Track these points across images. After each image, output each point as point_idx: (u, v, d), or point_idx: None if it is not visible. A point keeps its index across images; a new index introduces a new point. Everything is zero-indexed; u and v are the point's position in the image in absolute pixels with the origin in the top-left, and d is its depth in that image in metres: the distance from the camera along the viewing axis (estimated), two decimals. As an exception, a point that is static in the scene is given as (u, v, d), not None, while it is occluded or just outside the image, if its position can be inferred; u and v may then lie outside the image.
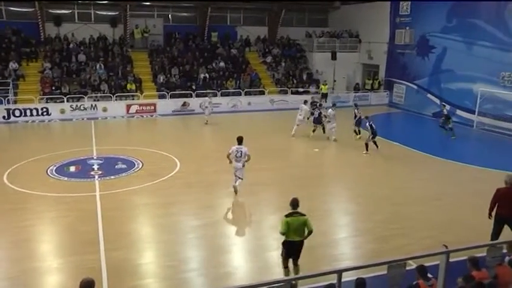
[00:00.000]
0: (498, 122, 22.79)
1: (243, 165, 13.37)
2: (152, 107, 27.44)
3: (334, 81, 32.85)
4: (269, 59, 33.66)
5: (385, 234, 11.14)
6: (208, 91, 28.13)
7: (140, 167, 16.47)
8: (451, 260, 6.01)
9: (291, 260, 8.72)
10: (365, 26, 33.87)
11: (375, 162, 18.01)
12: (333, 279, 5.21)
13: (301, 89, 31.26)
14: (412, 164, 17.76)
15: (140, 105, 27.24)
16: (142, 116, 26.80)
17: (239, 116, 27.50)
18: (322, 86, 31.00)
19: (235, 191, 13.63)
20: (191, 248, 10.58)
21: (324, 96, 30.31)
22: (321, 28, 36.58)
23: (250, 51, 34.33)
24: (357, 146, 19.90)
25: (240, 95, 29.50)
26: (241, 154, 13.19)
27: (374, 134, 18.64)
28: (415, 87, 29.38)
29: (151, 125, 25.66)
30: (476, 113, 23.44)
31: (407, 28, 29.64)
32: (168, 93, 28.09)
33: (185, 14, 34.46)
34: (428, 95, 27.79)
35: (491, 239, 9.54)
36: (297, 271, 8.58)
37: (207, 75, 30.25)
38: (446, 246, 6.44)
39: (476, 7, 24.36)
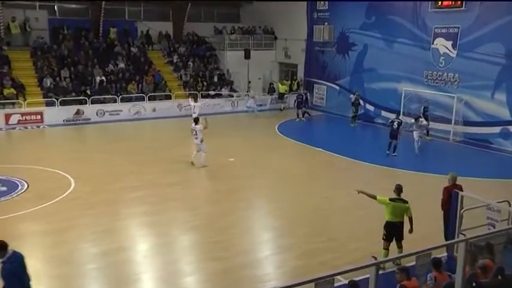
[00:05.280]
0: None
1: (201, 141, 17.89)
2: (38, 117, 26.23)
3: (249, 82, 33.35)
4: (175, 58, 33.53)
5: (310, 248, 11.47)
6: (106, 96, 27.46)
7: (25, 188, 15.64)
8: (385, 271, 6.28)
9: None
10: (281, 21, 34.77)
11: (298, 171, 18.51)
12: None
13: (212, 92, 31.36)
14: (336, 171, 18.47)
15: (23, 114, 25.91)
16: (26, 128, 25.52)
17: (143, 124, 27.10)
18: (280, 86, 32.14)
19: (192, 163, 18.20)
20: (92, 280, 10.23)
21: (281, 97, 31.78)
22: (233, 24, 37.00)
23: (153, 49, 33.96)
24: (280, 153, 20.36)
25: (144, 100, 29.03)
26: (195, 132, 17.96)
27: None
28: (336, 87, 30.59)
29: (38, 137, 24.46)
30: (401, 113, 24.77)
31: (325, 24, 30.77)
32: (57, 99, 26.93)
33: (74, 6, 33.17)
34: (351, 96, 29.01)
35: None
36: (400, 252, 10.30)
37: (104, 78, 29.46)
38: (375, 258, 6.78)
39: (394, 3, 25.93)
